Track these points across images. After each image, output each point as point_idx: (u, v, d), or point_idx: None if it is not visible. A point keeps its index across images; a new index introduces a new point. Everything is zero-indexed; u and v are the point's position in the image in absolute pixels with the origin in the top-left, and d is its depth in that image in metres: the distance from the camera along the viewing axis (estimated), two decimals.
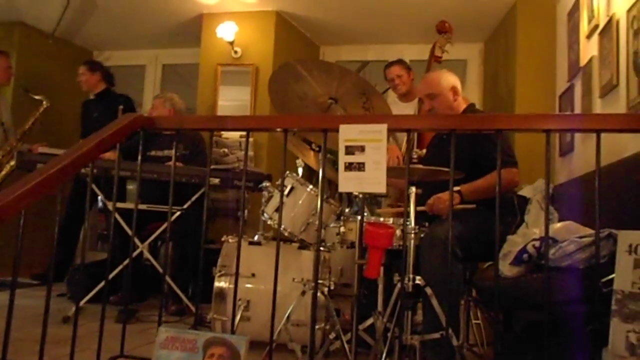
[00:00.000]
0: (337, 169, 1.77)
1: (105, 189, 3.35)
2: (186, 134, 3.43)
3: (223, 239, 2.64)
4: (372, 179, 1.78)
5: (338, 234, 2.47)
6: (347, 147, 1.79)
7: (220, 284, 2.54)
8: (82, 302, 3.19)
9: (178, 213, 3.28)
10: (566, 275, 1.71)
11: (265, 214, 2.45)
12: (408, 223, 2.07)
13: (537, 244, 1.81)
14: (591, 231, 1.72)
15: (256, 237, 2.63)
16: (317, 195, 2.08)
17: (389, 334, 2.04)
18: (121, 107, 4.02)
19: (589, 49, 2.86)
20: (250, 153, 4.17)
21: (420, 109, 3.31)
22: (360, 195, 1.91)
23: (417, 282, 2.03)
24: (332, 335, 2.25)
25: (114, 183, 2.35)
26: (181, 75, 5.82)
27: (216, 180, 3.26)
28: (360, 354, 2.42)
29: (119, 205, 3.43)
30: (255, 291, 2.48)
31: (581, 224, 1.95)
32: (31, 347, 2.00)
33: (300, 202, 2.38)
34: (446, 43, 3.54)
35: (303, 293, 2.24)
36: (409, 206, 2.02)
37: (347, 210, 2.95)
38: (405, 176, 1.84)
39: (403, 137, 3.37)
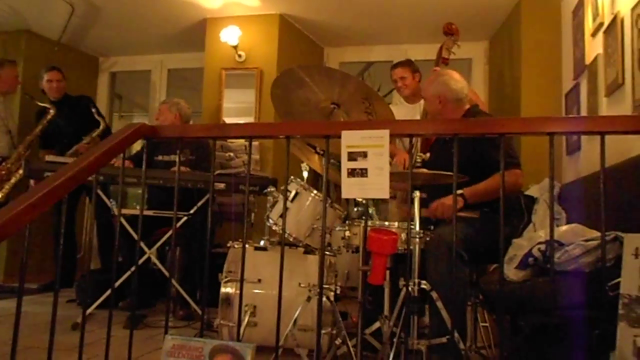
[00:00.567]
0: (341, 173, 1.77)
1: (111, 194, 3.39)
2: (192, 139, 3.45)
3: (229, 245, 2.64)
4: (375, 184, 1.77)
5: (343, 237, 2.48)
6: (349, 154, 1.79)
7: (226, 289, 2.55)
8: (91, 309, 3.22)
9: (185, 218, 3.29)
10: (572, 279, 1.69)
11: (270, 220, 2.46)
12: (413, 227, 2.06)
13: (542, 247, 1.80)
14: (597, 234, 1.71)
15: (262, 243, 2.63)
16: (321, 200, 2.08)
17: (395, 339, 2.04)
18: (94, 109, 4.08)
19: (594, 47, 2.83)
20: (256, 156, 4.18)
21: (424, 110, 3.30)
22: (364, 201, 1.90)
23: (423, 286, 2.02)
24: (338, 341, 2.25)
25: (120, 190, 2.37)
26: (187, 79, 5.85)
27: (221, 185, 3.27)
28: (368, 357, 2.42)
29: (127, 211, 3.47)
30: (261, 297, 2.48)
31: (589, 224, 1.93)
32: (40, 355, 2.02)
33: (304, 207, 2.38)
34: (453, 45, 3.52)
35: (308, 299, 2.24)
36: (413, 210, 2.01)
37: (354, 209, 2.94)
38: (408, 181, 1.84)
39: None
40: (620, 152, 2.18)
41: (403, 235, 2.16)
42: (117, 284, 3.13)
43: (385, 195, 1.76)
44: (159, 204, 3.49)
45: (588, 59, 2.94)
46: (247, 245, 2.62)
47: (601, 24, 2.69)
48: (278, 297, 1.94)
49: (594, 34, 2.85)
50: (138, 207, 3.70)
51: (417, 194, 2.06)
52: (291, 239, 2.39)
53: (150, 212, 3.39)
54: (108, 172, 3.05)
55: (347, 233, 2.41)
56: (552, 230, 1.67)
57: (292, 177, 2.47)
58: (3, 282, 4.43)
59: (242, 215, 4.15)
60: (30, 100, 4.20)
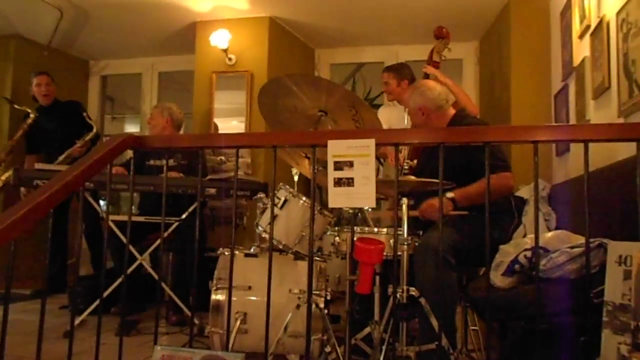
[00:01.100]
0: None
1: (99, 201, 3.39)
2: None
3: (219, 252, 2.64)
4: (362, 194, 1.78)
5: (333, 243, 2.48)
6: (335, 163, 1.80)
7: (217, 296, 2.55)
8: (83, 316, 3.22)
9: (176, 224, 3.29)
10: (557, 286, 1.71)
11: (259, 227, 2.46)
12: (400, 234, 2.07)
13: (528, 254, 1.81)
14: (582, 240, 1.72)
15: (252, 249, 2.63)
16: (311, 207, 2.08)
17: (384, 345, 2.05)
18: (85, 113, 4.08)
19: (582, 49, 2.85)
20: (247, 160, 4.18)
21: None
22: (350, 210, 1.90)
23: (411, 293, 2.03)
24: (327, 349, 2.26)
25: (107, 197, 2.37)
26: (178, 81, 5.85)
27: (212, 191, 3.27)
28: None
29: (116, 217, 3.46)
30: (252, 303, 2.48)
31: (578, 224, 1.95)
32: None
33: (293, 214, 2.39)
34: (444, 48, 3.52)
35: (298, 307, 2.24)
36: (400, 217, 2.02)
37: (348, 210, 2.96)
38: (394, 189, 1.84)
39: None
40: (608, 155, 2.20)
41: (392, 241, 2.17)
42: (108, 290, 3.15)
43: (372, 204, 1.77)
44: (151, 210, 3.49)
45: (576, 61, 2.95)
46: (237, 252, 2.63)
47: (588, 27, 2.70)
48: (267, 304, 1.95)
49: (581, 36, 2.86)
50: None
51: (404, 200, 2.06)
52: (280, 246, 2.39)
53: (141, 218, 3.39)
54: (98, 179, 3.04)
55: (337, 239, 2.41)
56: (537, 237, 1.68)
57: (281, 183, 2.48)
58: None
59: (234, 218, 4.17)
60: (10, 104, 4.19)
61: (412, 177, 2.05)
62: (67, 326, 3.13)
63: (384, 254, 2.02)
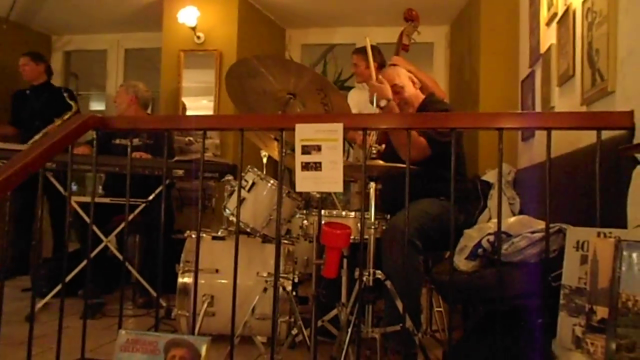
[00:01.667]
0: None
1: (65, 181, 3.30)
2: None
3: (186, 235, 2.62)
4: (329, 178, 1.78)
5: (301, 226, 2.49)
6: (303, 147, 1.79)
7: (184, 279, 2.53)
8: (46, 299, 3.16)
9: (142, 206, 3.24)
10: (518, 270, 1.75)
11: (227, 210, 2.44)
12: (367, 218, 2.08)
13: (491, 238, 1.85)
14: (543, 225, 1.76)
15: (220, 232, 2.62)
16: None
17: (352, 325, 2.08)
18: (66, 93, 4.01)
19: (548, 37, 2.88)
20: (216, 141, 4.13)
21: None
22: (318, 195, 1.91)
23: (378, 276, 2.06)
24: (294, 331, 2.28)
25: (68, 180, 2.32)
26: (146, 58, 5.70)
27: (180, 172, 3.23)
28: (326, 343, 2.47)
29: (81, 199, 3.39)
30: (219, 286, 2.48)
31: (542, 209, 1.98)
32: None
33: (261, 197, 2.38)
34: (414, 31, 3.52)
35: (265, 290, 2.25)
36: (367, 204, 2.03)
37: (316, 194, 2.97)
38: (363, 173, 1.85)
39: None
40: (571, 141, 2.24)
41: (359, 225, 2.18)
42: (72, 273, 3.09)
43: (339, 189, 1.77)
44: (117, 190, 3.42)
45: (542, 48, 2.99)
46: (204, 235, 2.62)
47: (555, 14, 2.73)
48: (233, 286, 1.95)
49: (548, 24, 2.89)
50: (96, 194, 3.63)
51: (372, 185, 2.08)
52: (248, 230, 2.38)
53: (106, 200, 3.32)
54: (60, 159, 2.96)
55: (305, 222, 2.42)
56: (499, 222, 1.72)
57: (249, 166, 2.46)
58: None
59: (202, 201, 4.13)
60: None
61: (380, 162, 2.06)
62: (29, 309, 3.07)
63: (352, 237, 2.04)
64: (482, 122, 1.71)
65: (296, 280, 2.45)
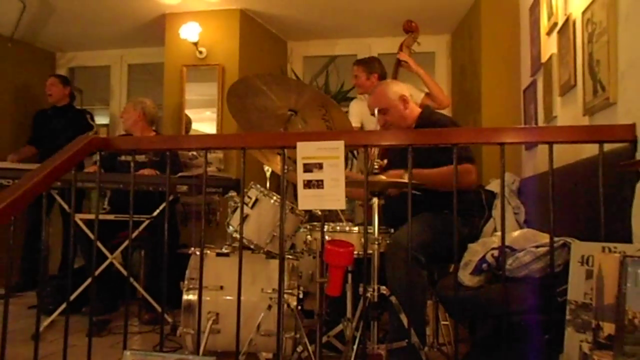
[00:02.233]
0: None
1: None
2: None
3: (190, 251, 2.62)
4: (331, 195, 1.78)
5: (305, 242, 2.48)
6: (305, 165, 1.79)
7: (188, 297, 2.53)
8: (53, 316, 3.16)
9: (147, 222, 3.25)
10: (523, 285, 1.74)
11: (230, 227, 2.44)
12: (371, 233, 2.08)
13: (495, 253, 1.84)
14: (547, 239, 1.75)
15: (224, 249, 2.62)
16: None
17: (356, 343, 2.07)
18: (88, 115, 4.07)
19: (549, 46, 2.88)
20: (220, 155, 4.14)
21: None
22: (320, 212, 1.90)
23: (382, 292, 2.05)
24: (299, 349, 2.27)
25: (72, 200, 2.34)
26: (149, 72, 5.74)
27: (184, 188, 3.24)
28: (332, 358, 2.46)
29: (87, 216, 3.40)
30: (224, 303, 2.47)
31: (545, 220, 1.97)
32: None
33: (264, 213, 2.38)
34: (413, 42, 3.54)
35: (269, 307, 2.24)
36: (370, 218, 2.03)
37: None
38: (365, 189, 1.85)
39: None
40: (575, 151, 2.23)
41: (363, 239, 2.18)
42: (78, 290, 3.10)
43: (342, 206, 1.78)
44: (122, 206, 3.43)
45: (544, 57, 2.99)
46: (208, 252, 2.61)
47: (555, 24, 2.73)
48: (237, 303, 1.95)
49: (549, 33, 2.89)
50: (100, 211, 3.64)
51: (375, 200, 2.07)
52: (252, 246, 2.38)
53: (111, 216, 3.33)
54: (66, 178, 2.97)
55: (309, 237, 2.41)
56: (503, 237, 1.71)
57: (252, 182, 2.46)
58: None
59: (206, 215, 4.15)
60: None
61: (382, 177, 2.05)
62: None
63: (355, 253, 2.04)
64: (484, 137, 1.70)
65: (301, 296, 2.44)
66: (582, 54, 2.26)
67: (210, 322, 2.43)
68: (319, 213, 1.88)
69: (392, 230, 2.38)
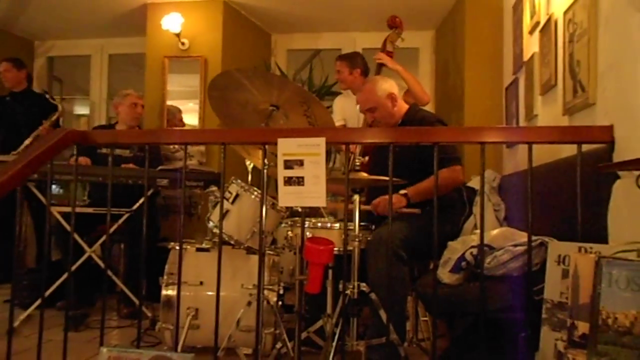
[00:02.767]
0: None
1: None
2: None
3: (170, 246, 2.59)
4: (312, 192, 1.78)
5: (286, 237, 2.48)
6: (285, 162, 1.78)
7: (168, 292, 2.51)
8: (28, 311, 3.10)
9: (126, 216, 3.21)
10: (501, 283, 1.76)
11: (210, 222, 2.42)
12: (351, 229, 2.07)
13: (474, 251, 1.86)
14: (525, 238, 1.76)
15: (204, 244, 2.60)
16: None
17: (335, 339, 2.07)
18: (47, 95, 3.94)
19: (531, 45, 2.90)
20: (202, 148, 4.11)
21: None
22: (300, 209, 1.90)
23: (362, 289, 2.05)
24: (278, 345, 2.27)
25: (48, 194, 2.30)
26: (130, 62, 5.66)
27: (164, 182, 3.20)
28: (312, 354, 2.46)
29: (65, 209, 3.34)
30: (203, 299, 2.46)
31: (524, 218, 1.99)
32: None
33: (245, 209, 2.36)
34: (397, 38, 3.53)
35: (249, 304, 2.23)
36: (351, 216, 2.03)
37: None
38: (346, 186, 1.85)
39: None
40: (554, 149, 2.26)
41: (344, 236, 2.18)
42: (55, 285, 3.05)
43: (323, 203, 1.77)
44: (101, 199, 3.38)
45: (526, 56, 3.01)
46: (188, 247, 2.59)
47: (537, 23, 2.75)
48: (216, 299, 1.95)
49: (531, 32, 2.90)
50: (78, 203, 3.58)
51: (356, 197, 2.07)
52: (232, 242, 2.36)
53: (89, 209, 3.28)
54: (42, 170, 2.91)
55: (290, 233, 2.40)
56: (482, 237, 1.73)
57: (232, 178, 2.44)
58: None
59: (187, 209, 4.11)
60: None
61: (364, 174, 2.05)
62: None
63: (336, 249, 2.04)
64: (464, 137, 1.71)
65: (281, 291, 2.43)
66: (563, 54, 2.28)
67: (189, 317, 2.42)
68: (300, 209, 1.87)
69: (373, 227, 2.38)
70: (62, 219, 3.18)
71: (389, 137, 1.71)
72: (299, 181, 1.77)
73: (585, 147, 1.71)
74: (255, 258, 2.53)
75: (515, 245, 1.78)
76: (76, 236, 3.05)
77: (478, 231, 1.89)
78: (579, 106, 2.05)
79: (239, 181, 2.40)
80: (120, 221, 3.21)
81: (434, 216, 1.73)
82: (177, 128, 4.28)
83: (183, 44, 4.35)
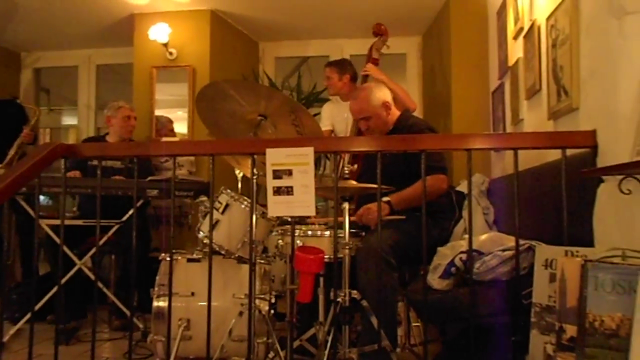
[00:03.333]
0: None
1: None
2: None
3: (161, 257, 2.59)
4: (301, 202, 1.79)
5: (277, 246, 2.48)
6: (274, 172, 1.79)
7: (159, 303, 2.50)
8: (19, 325, 3.08)
9: (116, 227, 3.20)
10: (490, 288, 1.78)
11: (201, 232, 2.42)
12: (341, 237, 2.09)
13: (464, 257, 1.87)
14: (513, 243, 1.78)
15: (195, 254, 2.59)
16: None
17: (328, 347, 2.07)
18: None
19: (516, 50, 2.93)
20: (191, 158, 4.10)
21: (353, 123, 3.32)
22: (290, 219, 1.91)
23: (354, 296, 2.06)
24: (271, 354, 2.27)
25: (36, 208, 2.28)
26: (118, 72, 5.64)
27: (154, 192, 3.19)
28: None
29: (53, 221, 3.32)
30: (195, 309, 2.45)
31: (512, 222, 2.02)
32: None
33: (235, 218, 2.36)
34: (382, 45, 3.56)
35: (241, 314, 2.23)
36: (341, 224, 2.04)
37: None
38: (335, 195, 1.86)
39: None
40: (540, 153, 2.28)
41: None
42: (45, 298, 3.02)
43: (312, 212, 1.78)
44: (91, 211, 3.36)
45: (510, 61, 3.04)
46: (179, 257, 2.59)
47: (521, 29, 2.78)
48: (208, 309, 1.95)
49: (515, 37, 2.94)
50: (68, 216, 3.56)
51: (345, 205, 2.08)
52: (223, 252, 2.37)
53: (79, 221, 3.27)
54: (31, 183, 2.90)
55: (280, 242, 2.41)
56: (470, 242, 1.74)
57: (222, 187, 2.44)
58: None
59: (177, 219, 4.10)
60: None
61: (353, 182, 2.06)
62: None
63: (326, 257, 2.05)
64: (451, 144, 1.74)
65: (273, 300, 2.43)
66: (547, 59, 2.31)
67: (181, 328, 2.41)
68: (290, 219, 1.88)
69: (364, 234, 2.39)
70: (52, 231, 3.17)
71: (377, 145, 1.73)
72: (288, 191, 1.78)
73: (571, 151, 1.74)
74: (246, 267, 2.53)
75: (504, 250, 1.80)
76: (66, 249, 3.04)
77: (467, 236, 1.91)
78: (563, 111, 2.08)
79: (229, 191, 2.40)
80: (110, 232, 3.19)
81: (422, 222, 1.75)
82: (167, 138, 4.27)
83: (171, 53, 4.35)
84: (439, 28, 4.41)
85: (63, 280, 2.75)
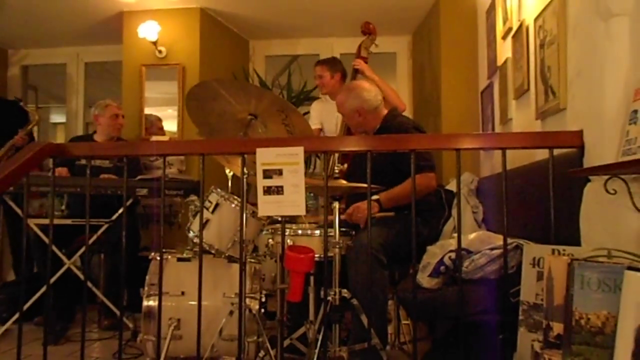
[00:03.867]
0: None
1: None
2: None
3: (150, 256, 2.58)
4: (291, 201, 1.79)
5: (267, 245, 2.48)
6: (264, 171, 1.80)
7: (149, 303, 2.49)
8: (6, 325, 3.05)
9: (105, 226, 3.18)
10: (479, 287, 1.79)
11: (191, 232, 2.42)
12: (332, 236, 2.09)
13: (453, 255, 1.89)
14: (502, 242, 1.80)
15: (185, 253, 2.59)
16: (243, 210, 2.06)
17: (318, 346, 2.09)
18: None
19: (504, 50, 2.96)
20: (181, 157, 4.09)
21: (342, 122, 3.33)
22: (280, 218, 1.91)
23: (344, 295, 2.07)
24: (261, 353, 2.28)
25: (25, 207, 2.26)
26: (107, 70, 5.60)
27: (144, 191, 3.18)
28: None
29: (42, 221, 3.29)
30: (185, 309, 2.45)
31: (501, 220, 2.04)
32: None
33: (225, 218, 2.36)
34: (371, 44, 3.58)
35: (231, 313, 2.24)
36: (331, 222, 2.05)
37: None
38: (325, 194, 1.87)
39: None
40: (528, 153, 2.30)
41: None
42: (33, 298, 3.00)
43: (302, 212, 1.79)
44: (80, 210, 3.34)
45: (499, 61, 3.06)
46: (169, 257, 2.58)
47: (510, 29, 2.80)
48: (198, 309, 1.95)
49: (504, 37, 2.96)
50: (56, 215, 3.54)
51: (336, 205, 2.09)
52: (213, 251, 2.37)
53: (68, 221, 3.25)
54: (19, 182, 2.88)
55: (271, 241, 2.42)
56: (459, 240, 1.76)
57: (212, 187, 2.44)
58: None
59: (167, 218, 4.09)
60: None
61: (343, 181, 2.07)
62: None
63: (317, 256, 2.05)
64: (440, 143, 1.75)
65: (263, 299, 2.44)
66: (535, 60, 2.33)
67: (171, 328, 2.41)
68: (280, 218, 1.88)
69: (354, 233, 2.40)
70: (40, 231, 3.14)
71: (366, 145, 1.74)
72: (279, 190, 1.79)
73: (558, 151, 1.75)
74: (236, 267, 2.53)
75: (492, 249, 1.82)
76: (54, 248, 3.02)
77: (456, 234, 1.93)
78: (551, 111, 2.11)
79: (219, 190, 2.40)
80: (100, 232, 3.18)
81: (412, 220, 1.76)
82: (157, 137, 4.24)
83: (160, 52, 4.32)
84: (428, 27, 4.43)
85: (52, 280, 2.75)
